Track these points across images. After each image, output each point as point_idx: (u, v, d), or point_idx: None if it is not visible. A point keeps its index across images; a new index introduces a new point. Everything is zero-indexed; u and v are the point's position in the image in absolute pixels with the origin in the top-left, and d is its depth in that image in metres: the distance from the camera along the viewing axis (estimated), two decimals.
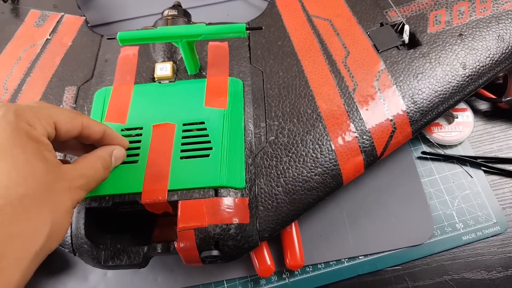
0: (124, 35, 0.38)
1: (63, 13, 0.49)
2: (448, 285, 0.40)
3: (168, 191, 0.34)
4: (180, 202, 0.34)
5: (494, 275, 0.40)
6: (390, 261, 0.41)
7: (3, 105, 0.26)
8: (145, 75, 0.42)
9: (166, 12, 0.46)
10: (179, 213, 0.33)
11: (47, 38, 0.47)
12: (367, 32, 0.43)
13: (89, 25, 0.49)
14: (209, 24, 0.46)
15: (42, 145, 0.27)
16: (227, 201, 0.34)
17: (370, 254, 0.41)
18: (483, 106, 0.48)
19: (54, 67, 0.45)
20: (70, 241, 0.35)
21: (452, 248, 0.41)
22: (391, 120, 0.38)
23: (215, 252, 0.33)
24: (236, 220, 0.34)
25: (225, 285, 0.40)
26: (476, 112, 0.48)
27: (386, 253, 0.41)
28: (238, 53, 0.44)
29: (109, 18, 0.55)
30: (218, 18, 0.51)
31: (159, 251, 0.35)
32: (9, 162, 0.25)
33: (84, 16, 0.49)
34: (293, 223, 0.41)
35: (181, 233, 0.33)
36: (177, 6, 0.47)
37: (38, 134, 0.27)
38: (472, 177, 0.44)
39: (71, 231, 0.35)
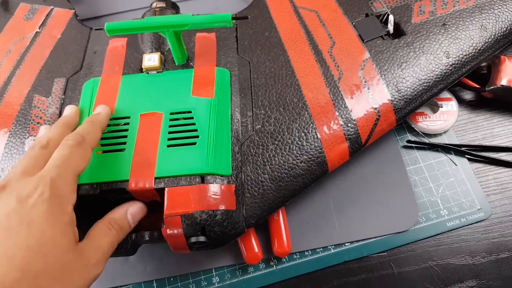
0: (111, 26, 0.38)
1: (52, 7, 0.50)
2: (432, 270, 0.40)
3: (155, 178, 0.34)
4: (167, 189, 0.34)
5: (478, 260, 0.40)
6: (376, 247, 0.41)
7: (42, 183, 0.27)
8: (133, 66, 0.42)
9: (154, 4, 0.46)
10: (165, 200, 0.34)
11: (37, 31, 0.47)
12: (352, 23, 0.44)
13: (78, 18, 0.49)
14: (197, 15, 0.47)
15: (70, 219, 0.28)
16: (214, 188, 0.35)
17: (356, 241, 0.41)
18: (467, 95, 0.49)
19: (43, 59, 0.45)
20: None
21: (436, 235, 0.42)
22: (376, 108, 0.39)
23: (202, 238, 0.34)
24: (222, 207, 0.34)
25: (214, 273, 0.41)
26: (461, 101, 0.48)
27: (372, 240, 0.41)
28: (225, 43, 0.44)
29: (99, 12, 0.55)
30: (207, 11, 0.52)
31: (147, 238, 0.35)
32: (36, 238, 0.26)
33: (73, 9, 0.50)
34: (280, 211, 0.41)
35: (168, 219, 0.33)
36: None
37: (70, 208, 0.28)
38: (456, 165, 0.44)
39: None
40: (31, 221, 0.26)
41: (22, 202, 0.27)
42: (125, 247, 0.35)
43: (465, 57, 0.42)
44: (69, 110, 0.38)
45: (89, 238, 0.30)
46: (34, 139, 0.39)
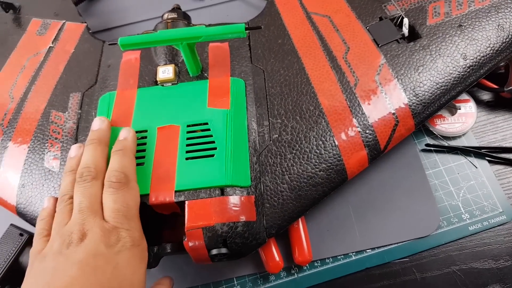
0: (125, 40, 0.38)
1: (64, 21, 0.50)
2: (456, 275, 0.40)
3: (175, 191, 0.35)
4: (187, 202, 0.34)
5: (502, 264, 0.40)
6: (398, 253, 0.41)
7: (123, 234, 0.30)
8: (147, 78, 0.43)
9: (166, 16, 0.46)
10: (186, 213, 0.34)
11: (50, 46, 0.48)
12: (366, 27, 0.43)
13: (90, 31, 0.49)
14: (209, 25, 0.47)
15: (145, 266, 0.32)
16: (234, 200, 0.35)
17: (378, 247, 0.41)
18: (485, 96, 0.48)
19: (58, 74, 0.45)
20: None
21: (459, 239, 0.41)
22: (394, 114, 0.39)
23: (223, 250, 0.34)
24: (243, 218, 0.34)
25: (235, 282, 0.41)
26: (479, 102, 0.48)
27: (393, 245, 0.41)
28: (239, 53, 0.44)
29: (110, 24, 0.55)
30: (218, 19, 0.52)
31: (169, 250, 0.36)
32: (119, 281, 0.28)
33: (85, 22, 0.50)
34: (300, 219, 0.41)
35: (189, 232, 0.33)
36: (176, 9, 0.47)
37: (147, 255, 0.32)
38: (476, 167, 0.44)
39: None
40: (117, 264, 0.28)
41: (109, 247, 0.29)
42: (148, 260, 0.35)
43: (482, 58, 0.41)
44: (101, 124, 0.37)
45: None
46: (64, 159, 0.40)
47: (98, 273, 0.27)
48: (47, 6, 0.52)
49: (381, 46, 0.42)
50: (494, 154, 0.44)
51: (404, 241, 0.41)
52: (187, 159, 0.36)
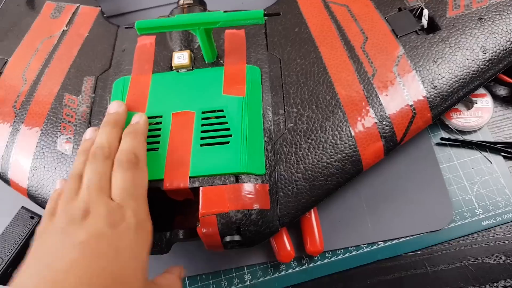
0: (142, 24, 0.38)
1: (78, 4, 0.50)
2: (467, 270, 0.40)
3: (189, 177, 0.34)
4: (201, 188, 0.34)
5: None
6: (409, 246, 0.41)
7: (128, 214, 0.29)
8: (162, 64, 0.42)
9: (182, 1, 0.46)
10: (201, 199, 0.34)
11: (64, 30, 0.47)
12: (385, 17, 0.43)
13: (105, 15, 0.49)
14: (226, 11, 0.46)
15: (149, 250, 0.30)
16: (248, 187, 0.34)
17: (389, 240, 0.41)
18: (502, 91, 0.48)
19: (71, 57, 0.45)
20: None
21: (471, 234, 0.41)
22: (411, 106, 0.38)
23: (237, 237, 0.34)
24: (257, 206, 0.34)
25: (246, 271, 0.41)
26: (495, 97, 0.47)
27: (405, 238, 0.41)
28: (255, 40, 0.44)
29: (124, 9, 0.55)
30: (233, 6, 0.51)
31: (181, 237, 0.35)
32: (120, 266, 0.27)
33: (99, 6, 0.49)
34: (312, 209, 0.41)
35: (203, 218, 0.33)
36: None
37: (151, 238, 0.31)
38: (491, 162, 0.44)
39: None
40: (119, 247, 0.27)
41: (112, 227, 0.28)
42: (160, 246, 0.35)
43: (502, 52, 0.41)
44: (118, 107, 0.37)
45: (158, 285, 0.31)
46: (80, 141, 0.39)
47: (100, 256, 0.26)
48: None
49: (399, 37, 0.41)
50: (509, 150, 0.44)
51: (416, 235, 0.41)
52: (202, 145, 0.36)
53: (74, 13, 0.49)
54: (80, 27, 0.48)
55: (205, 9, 0.46)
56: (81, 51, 0.46)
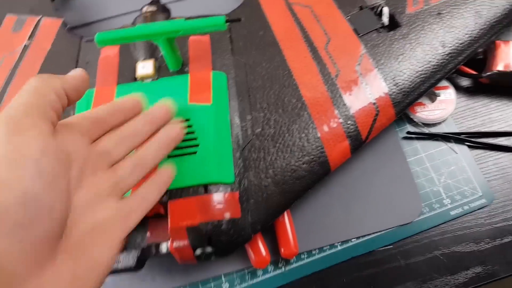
0: (101, 36, 0.37)
1: (40, 16, 0.49)
2: (439, 259, 0.41)
3: None
4: (170, 202, 0.34)
5: (483, 246, 0.41)
6: (382, 241, 0.42)
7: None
8: (127, 74, 0.42)
9: (144, 9, 0.45)
10: (169, 213, 0.34)
11: (26, 44, 0.47)
12: (347, 17, 0.43)
13: (67, 27, 0.48)
14: (189, 18, 0.46)
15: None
16: (217, 197, 0.35)
17: (362, 236, 0.42)
18: (464, 82, 0.49)
19: (34, 72, 0.44)
20: None
21: (441, 224, 0.42)
22: (374, 104, 0.39)
23: (209, 249, 0.34)
24: (227, 215, 0.34)
25: (223, 279, 0.41)
26: (458, 88, 0.48)
27: (378, 233, 0.42)
28: (220, 45, 0.44)
29: (88, 18, 0.54)
30: (198, 11, 0.51)
31: (153, 252, 0.35)
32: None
33: (62, 18, 0.49)
34: (285, 212, 0.41)
35: (173, 233, 0.33)
36: (155, 2, 0.46)
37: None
38: (457, 153, 0.45)
39: None
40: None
41: None
42: (133, 264, 0.35)
43: (461, 45, 0.41)
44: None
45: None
46: None
47: None
48: (22, 1, 0.51)
49: (361, 36, 0.42)
50: (473, 139, 0.45)
51: (388, 229, 0.42)
52: (168, 157, 0.36)
53: (36, 26, 0.48)
54: (43, 40, 0.47)
55: (168, 16, 0.46)
56: (44, 65, 0.45)
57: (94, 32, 0.39)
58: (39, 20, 0.48)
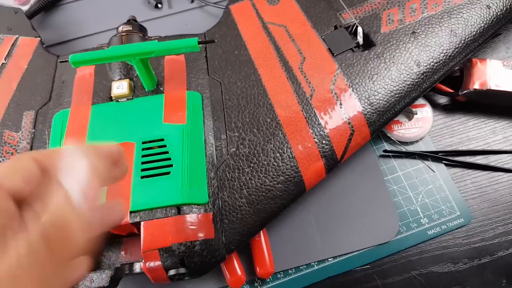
0: (76, 58, 0.37)
1: (17, 35, 0.49)
2: (416, 280, 0.40)
3: (130, 212, 0.34)
4: (143, 223, 0.34)
5: (461, 266, 0.41)
6: (359, 261, 0.41)
7: None
8: (102, 94, 0.42)
9: (120, 28, 0.45)
10: (142, 235, 0.33)
11: (3, 63, 0.46)
12: (321, 36, 0.43)
13: (44, 45, 0.48)
14: (165, 37, 0.46)
15: None
16: (190, 218, 0.34)
17: (339, 256, 0.41)
18: (441, 100, 0.49)
19: (11, 92, 0.44)
20: None
21: (418, 244, 0.42)
22: (349, 123, 0.39)
23: (181, 270, 0.34)
24: (201, 236, 0.34)
25: None
26: (435, 106, 0.48)
27: (355, 253, 0.41)
28: (195, 65, 0.44)
29: (66, 37, 0.54)
30: (176, 29, 0.51)
31: (127, 272, 0.35)
32: None
33: (39, 37, 0.49)
34: (261, 232, 0.41)
35: (146, 254, 0.33)
36: (132, 21, 0.47)
37: None
38: (434, 171, 0.45)
39: None
40: None
41: None
42: (104, 286, 0.34)
43: (436, 64, 0.42)
44: None
45: None
46: None
47: None
48: (0, 20, 0.51)
49: (336, 55, 0.42)
50: (450, 158, 0.45)
51: (365, 248, 0.41)
52: (142, 177, 0.36)
53: (13, 45, 0.48)
54: (20, 59, 0.47)
55: (144, 35, 0.46)
56: (21, 84, 0.45)
57: (71, 50, 0.39)
58: (16, 39, 0.48)
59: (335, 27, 0.44)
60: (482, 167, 0.45)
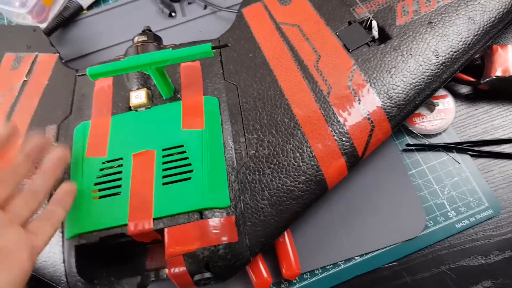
0: (93, 70, 0.38)
1: (37, 53, 0.50)
2: (446, 275, 0.39)
3: (154, 219, 0.34)
4: (166, 229, 0.34)
5: (492, 259, 0.40)
6: (387, 258, 0.41)
7: None
8: (121, 105, 0.42)
9: (136, 39, 0.46)
10: (166, 240, 0.34)
11: (24, 80, 0.48)
12: (336, 33, 0.43)
13: (63, 61, 0.49)
14: (180, 45, 0.46)
15: None
16: (213, 222, 0.34)
17: (366, 254, 0.41)
18: (463, 89, 0.48)
19: (33, 108, 0.45)
20: (65, 280, 0.36)
21: (447, 238, 0.41)
22: (369, 119, 0.38)
23: (207, 275, 0.34)
24: (224, 240, 0.34)
25: None
26: (457, 96, 0.47)
27: (382, 250, 0.41)
28: (211, 70, 0.44)
29: (83, 51, 0.55)
30: (191, 36, 0.52)
31: (153, 279, 0.35)
32: None
33: (58, 52, 0.50)
34: (285, 232, 0.41)
35: (170, 260, 0.33)
36: (147, 31, 0.47)
37: None
38: (459, 163, 0.43)
39: (65, 269, 0.36)
40: None
41: None
42: None
43: (455, 53, 0.41)
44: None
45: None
46: None
47: None
48: (19, 39, 0.52)
49: (351, 51, 0.41)
50: (475, 148, 0.44)
51: (392, 245, 0.41)
52: (164, 184, 0.36)
53: (33, 62, 0.49)
54: (40, 76, 0.48)
55: (159, 44, 0.46)
56: (42, 100, 0.46)
57: (89, 64, 0.39)
58: (36, 57, 0.49)
59: (349, 23, 0.43)
60: (509, 156, 0.43)
